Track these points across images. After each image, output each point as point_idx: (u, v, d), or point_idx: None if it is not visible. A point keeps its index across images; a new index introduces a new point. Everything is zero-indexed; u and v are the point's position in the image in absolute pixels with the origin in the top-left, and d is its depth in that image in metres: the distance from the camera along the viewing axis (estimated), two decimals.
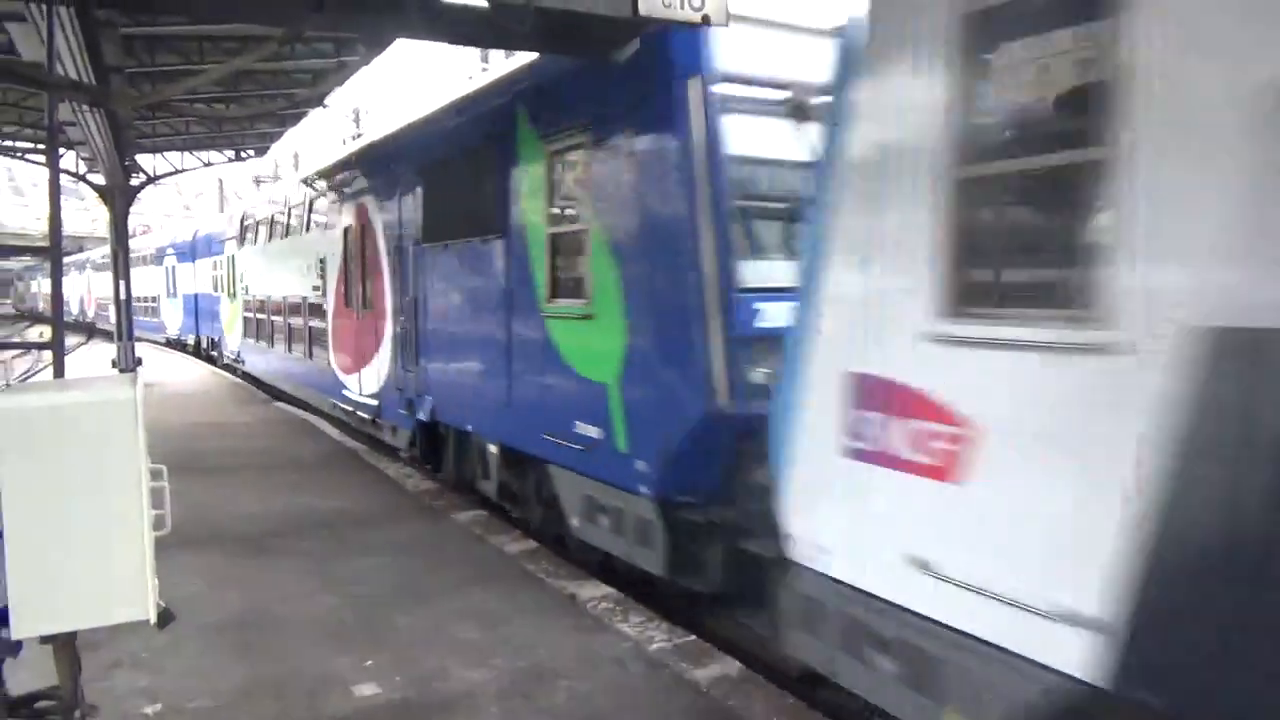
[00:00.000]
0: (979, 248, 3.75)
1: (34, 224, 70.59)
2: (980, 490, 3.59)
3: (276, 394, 18.64)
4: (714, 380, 5.80)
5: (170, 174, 22.92)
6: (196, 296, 28.23)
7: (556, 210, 7.57)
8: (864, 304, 4.18)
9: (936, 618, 3.78)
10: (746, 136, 6.02)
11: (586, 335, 7.06)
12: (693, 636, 5.85)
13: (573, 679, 5.20)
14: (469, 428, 9.47)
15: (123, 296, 18.14)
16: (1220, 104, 2.83)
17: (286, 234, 16.90)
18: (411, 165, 10.62)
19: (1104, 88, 3.12)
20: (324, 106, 18.04)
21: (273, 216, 18.08)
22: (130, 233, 23.03)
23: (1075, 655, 3.16)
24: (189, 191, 70.60)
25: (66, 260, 71.15)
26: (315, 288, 14.87)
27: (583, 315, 7.07)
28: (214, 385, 21.16)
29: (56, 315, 5.43)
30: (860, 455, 4.17)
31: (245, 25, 11.41)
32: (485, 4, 4.27)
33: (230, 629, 5.95)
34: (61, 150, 15.83)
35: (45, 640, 3.56)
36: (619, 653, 5.59)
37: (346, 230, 12.98)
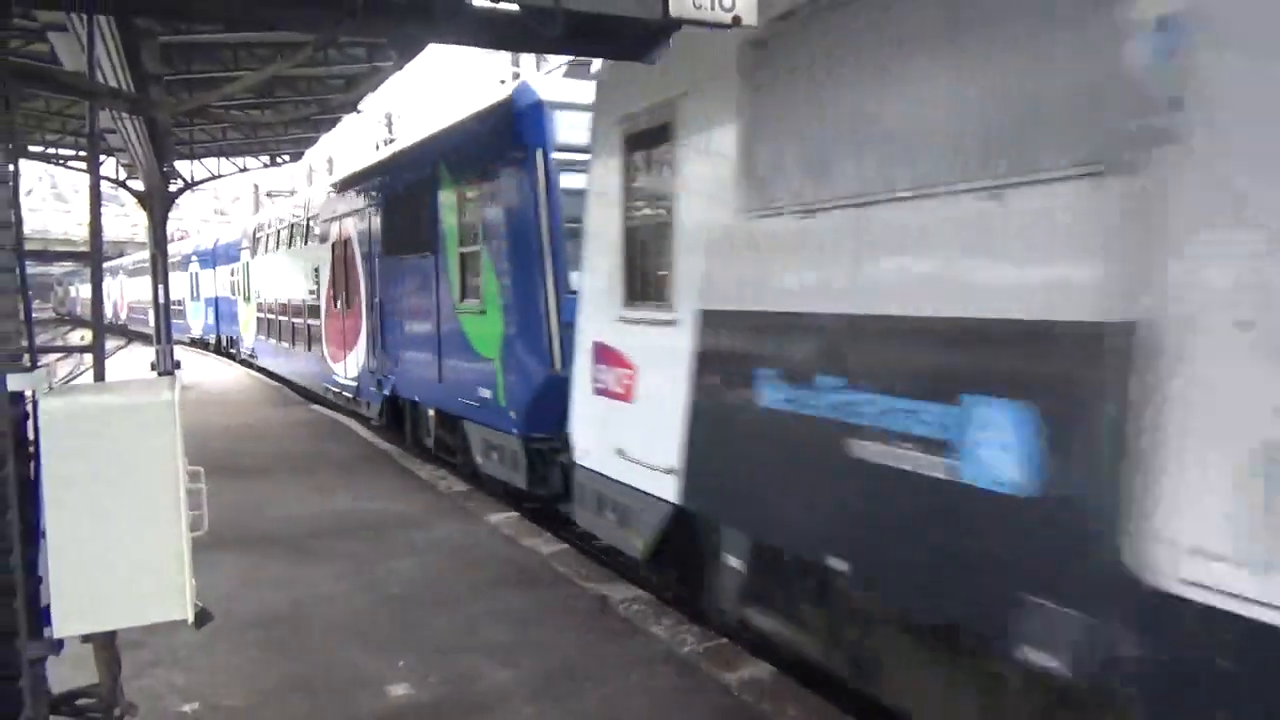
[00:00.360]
0: (634, 269, 6.39)
1: (76, 229, 71.94)
2: (639, 405, 6.31)
3: (311, 396, 18.87)
4: (553, 355, 8.44)
5: (207, 179, 23.27)
6: (217, 300, 30.65)
7: (462, 234, 10.36)
8: (596, 300, 6.87)
9: (627, 482, 6.46)
10: (568, 185, 8.51)
11: (482, 326, 9.80)
12: (724, 639, 5.82)
13: (604, 681, 5.20)
14: (416, 399, 12.45)
15: (161, 300, 18.42)
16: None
17: (290, 245, 19.97)
18: (376, 195, 13.51)
19: (663, 179, 6.04)
20: (358, 111, 18.25)
21: (278, 230, 21.22)
22: (169, 238, 23.41)
23: (671, 489, 5.86)
24: (226, 196, 71.59)
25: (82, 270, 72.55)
26: (311, 291, 17.75)
27: (479, 312, 9.86)
28: (250, 387, 21.44)
29: (97, 319, 5.53)
30: (598, 391, 6.85)
31: (280, 33, 11.57)
32: (515, 7, 4.28)
33: (266, 628, 6.02)
34: (102, 157, 16.16)
35: (86, 639, 3.63)
36: (650, 655, 5.58)
37: (333, 245, 15.76)
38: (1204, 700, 2.92)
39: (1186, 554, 2.93)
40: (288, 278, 19.96)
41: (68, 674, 3.85)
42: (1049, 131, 3.43)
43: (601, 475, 6.81)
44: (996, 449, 3.60)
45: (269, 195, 41.71)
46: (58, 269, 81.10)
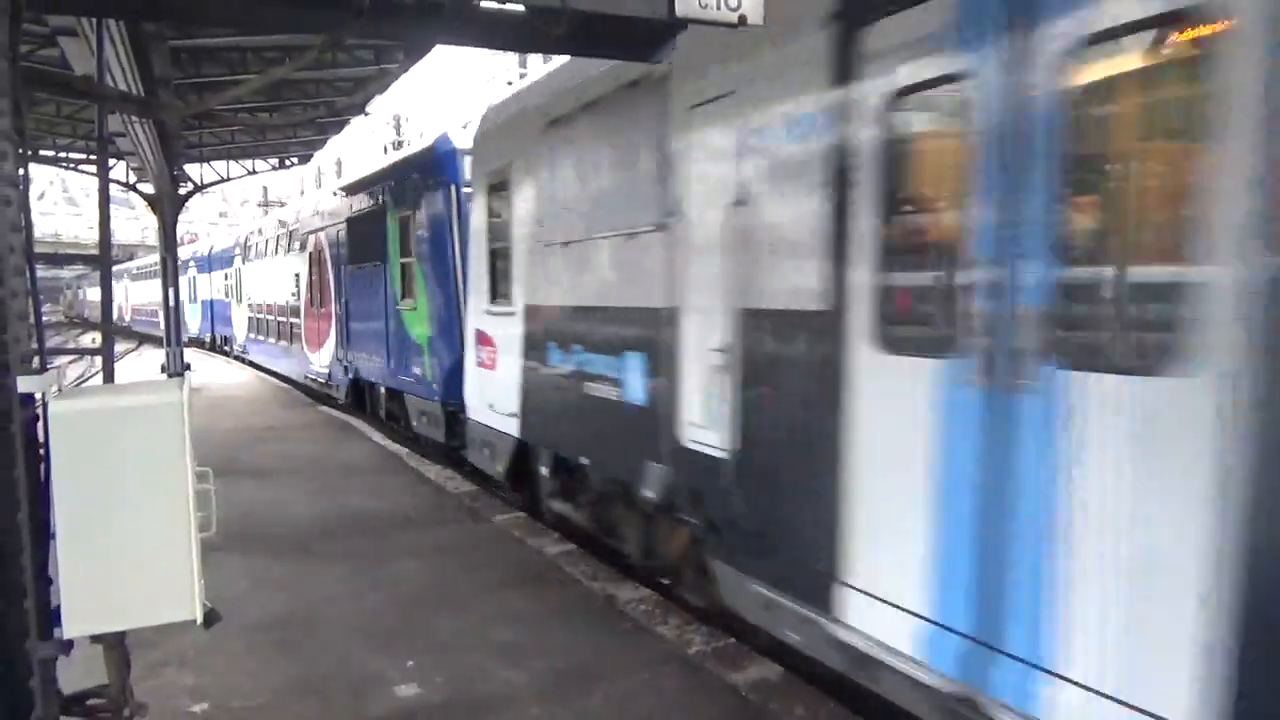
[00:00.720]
0: (494, 277, 9.09)
1: (87, 233, 72.30)
2: (499, 372, 9.03)
3: (319, 397, 18.95)
4: (463, 342, 10.55)
5: (216, 182, 23.35)
6: (211, 302, 33.46)
7: (402, 248, 13.40)
8: (476, 299, 9.74)
9: (494, 426, 9.25)
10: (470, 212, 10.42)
11: (415, 320, 12.91)
12: (731, 639, 5.82)
13: (611, 681, 5.20)
14: (373, 380, 15.53)
15: (171, 303, 18.48)
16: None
17: (275, 253, 22.93)
18: (341, 213, 16.65)
19: (505, 217, 8.84)
20: (365, 114, 18.31)
21: (266, 240, 24.28)
22: (179, 240, 23.50)
23: (515, 427, 8.66)
24: (234, 199, 71.88)
25: (92, 274, 73.07)
26: (293, 294, 20.86)
27: (413, 309, 13.00)
28: (259, 389, 21.52)
29: (106, 322, 5.55)
30: (478, 365, 9.72)
31: (288, 36, 11.62)
32: (521, 8, 4.29)
33: (275, 629, 6.04)
34: (112, 161, 16.23)
35: (95, 640, 3.64)
36: (657, 655, 5.58)
37: (310, 254, 19.08)
38: (702, 491, 5.82)
39: (689, 425, 5.87)
40: (274, 282, 22.93)
41: (77, 675, 3.87)
42: (644, 206, 6.33)
43: (480, 424, 9.84)
44: (634, 381, 6.57)
45: (260, 205, 46.18)
46: (68, 272, 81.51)
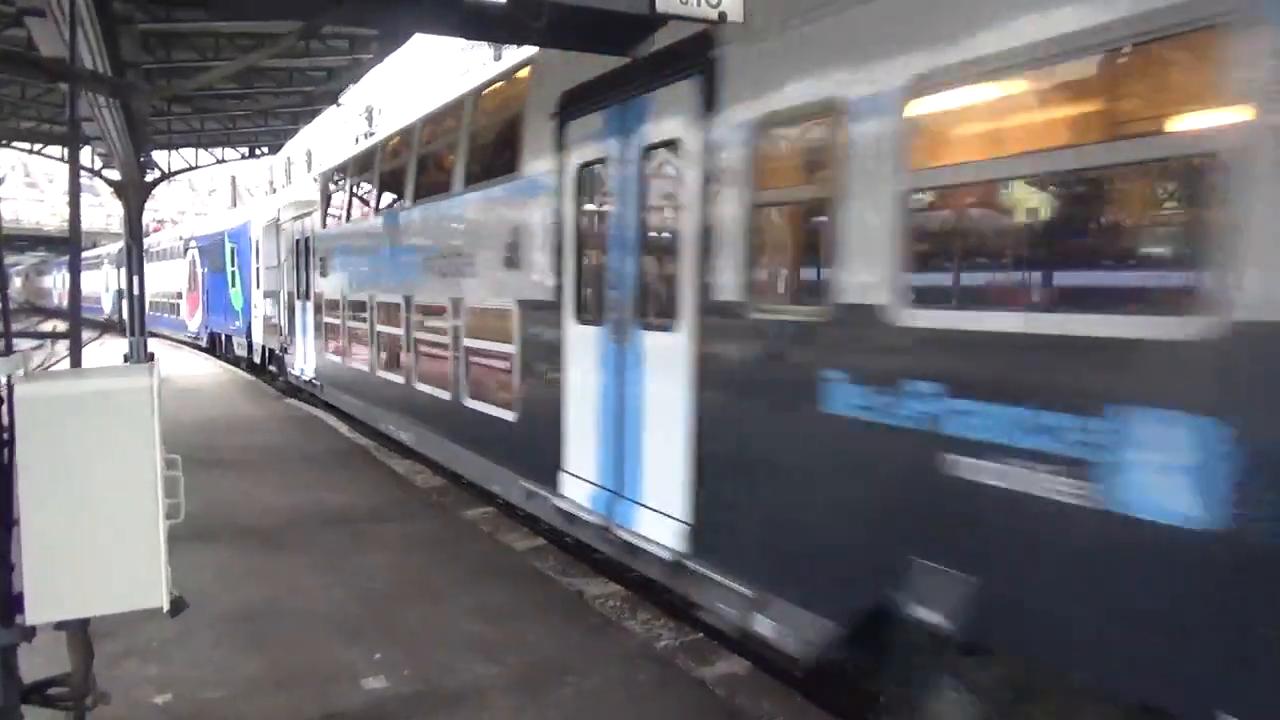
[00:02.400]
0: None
1: (49, 219, 70.96)
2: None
3: (288, 391, 18.75)
4: (248, 315, 21.96)
5: (184, 170, 23.07)
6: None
7: (231, 263, 25.61)
8: (270, 288, 19.86)
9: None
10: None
11: (236, 299, 24.98)
12: (700, 635, 5.84)
13: (580, 676, 5.20)
14: (218, 331, 28.31)
15: (136, 291, 18.20)
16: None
17: (172, 257, 36.48)
18: (201, 238, 30.23)
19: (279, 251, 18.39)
20: (338, 105, 18.16)
21: (166, 248, 38.60)
22: (145, 229, 23.18)
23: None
24: (203, 188, 70.87)
25: (47, 261, 72.09)
26: (178, 285, 35.03)
27: (236, 293, 24.83)
28: (226, 380, 21.26)
29: (74, 306, 5.46)
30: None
31: (261, 23, 11.49)
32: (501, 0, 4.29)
33: (242, 621, 5.97)
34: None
35: (58, 626, 3.59)
36: (626, 650, 5.59)
37: (190, 262, 32.67)
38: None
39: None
40: (169, 276, 36.12)
41: (38, 663, 3.81)
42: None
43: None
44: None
45: (173, 222, 56.08)
46: (32, 259, 79.91)
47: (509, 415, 8.20)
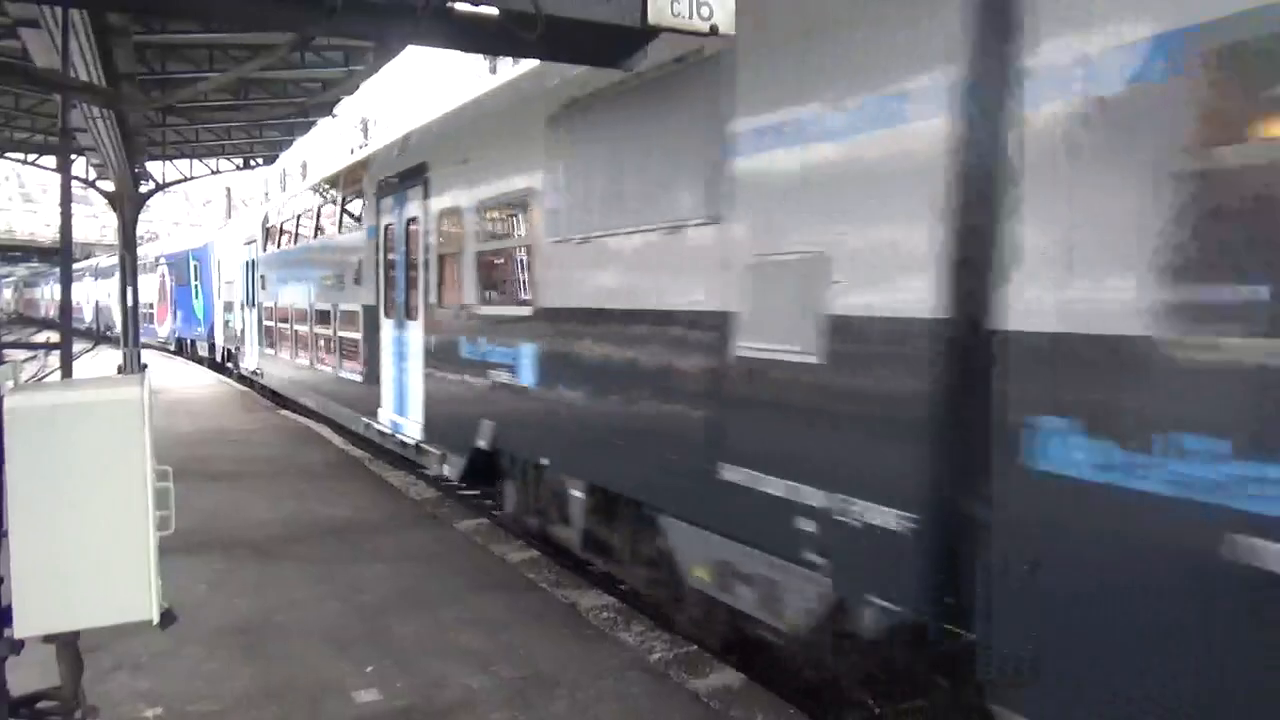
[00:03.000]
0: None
1: (44, 230, 70.77)
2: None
3: (282, 402, 18.73)
4: (210, 322, 27.39)
5: (179, 181, 23.05)
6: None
7: (195, 277, 30.37)
8: (230, 300, 24.56)
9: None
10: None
11: (199, 309, 30.42)
12: (694, 646, 5.82)
13: (573, 688, 5.18)
14: (185, 336, 33.31)
15: (129, 302, 18.17)
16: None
17: (147, 272, 36.23)
18: (170, 256, 35.48)
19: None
20: (333, 116, 18.18)
21: (145, 264, 36.78)
22: (139, 240, 23.16)
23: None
24: (197, 199, 70.80)
25: (38, 273, 72.07)
26: (151, 297, 37.19)
27: (199, 303, 30.19)
28: (220, 392, 21.21)
29: (65, 318, 5.45)
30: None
31: (256, 34, 11.51)
32: (495, 11, 4.29)
33: (233, 634, 5.94)
34: (72, 156, 15.95)
35: (48, 639, 3.56)
36: (620, 662, 5.57)
37: (160, 276, 36.29)
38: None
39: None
40: (146, 290, 36.02)
41: (27, 677, 3.78)
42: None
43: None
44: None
45: (149, 241, 56.22)
46: (25, 270, 79.71)
47: (358, 378, 12.30)
